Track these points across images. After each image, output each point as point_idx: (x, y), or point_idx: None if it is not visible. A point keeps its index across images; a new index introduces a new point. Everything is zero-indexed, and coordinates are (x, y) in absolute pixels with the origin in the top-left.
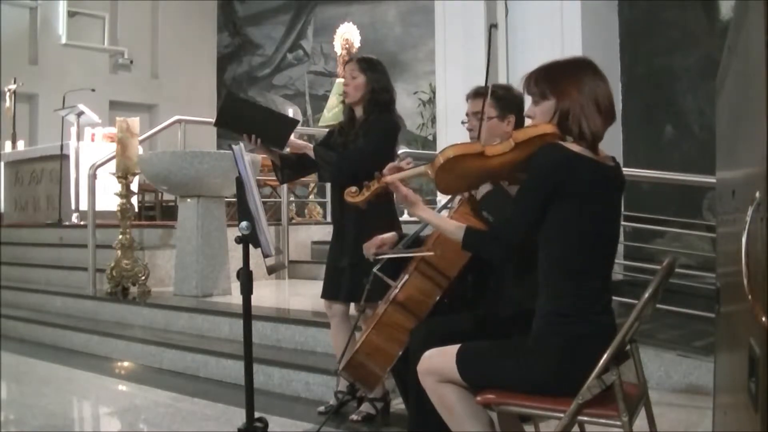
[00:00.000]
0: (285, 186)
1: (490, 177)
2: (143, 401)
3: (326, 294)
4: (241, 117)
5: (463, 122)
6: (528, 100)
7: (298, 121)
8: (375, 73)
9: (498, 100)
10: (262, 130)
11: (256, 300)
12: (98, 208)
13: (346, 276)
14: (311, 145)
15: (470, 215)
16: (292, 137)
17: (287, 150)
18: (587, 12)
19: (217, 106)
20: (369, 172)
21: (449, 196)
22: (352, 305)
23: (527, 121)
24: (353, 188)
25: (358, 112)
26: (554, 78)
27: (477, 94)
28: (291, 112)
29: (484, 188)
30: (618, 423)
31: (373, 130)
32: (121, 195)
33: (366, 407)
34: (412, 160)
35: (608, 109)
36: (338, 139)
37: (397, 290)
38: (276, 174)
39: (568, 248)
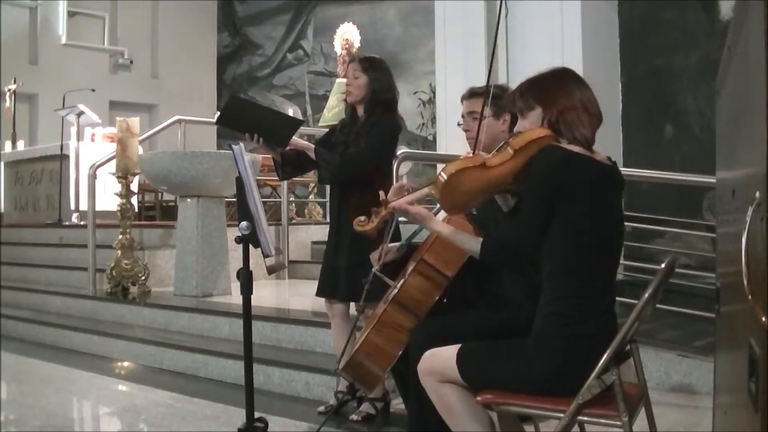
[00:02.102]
0: (285, 186)
1: (494, 189)
2: (143, 401)
3: (323, 292)
4: (244, 117)
5: (458, 123)
6: None
7: (302, 122)
8: (377, 73)
9: (493, 99)
10: (264, 129)
11: (256, 300)
12: (98, 208)
13: (343, 276)
14: (312, 146)
15: (466, 219)
16: (294, 137)
17: (288, 148)
18: (587, 12)
19: (218, 106)
20: (369, 173)
21: None
22: (353, 305)
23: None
24: (362, 218)
25: (360, 111)
26: (538, 88)
27: (472, 94)
28: (291, 112)
29: None
30: (618, 423)
31: (375, 131)
32: (121, 195)
33: (366, 407)
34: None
35: (596, 112)
36: (339, 137)
37: (396, 290)
38: (277, 171)
39: (570, 248)
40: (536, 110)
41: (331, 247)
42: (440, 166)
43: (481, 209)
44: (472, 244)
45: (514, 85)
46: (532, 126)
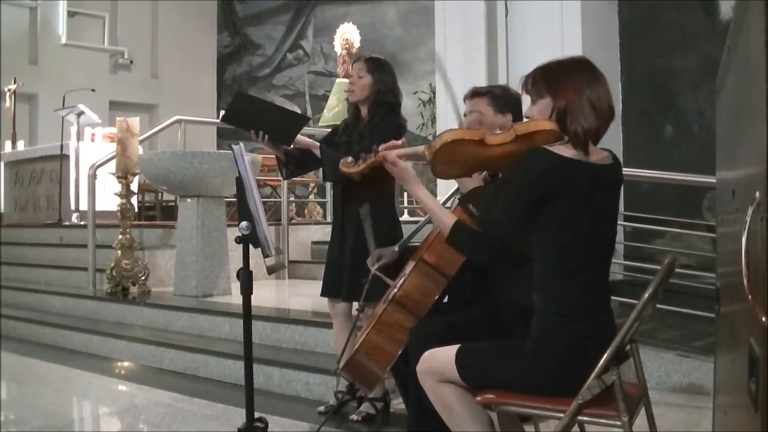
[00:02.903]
0: (285, 186)
1: (485, 165)
2: (143, 401)
3: (327, 292)
4: (249, 115)
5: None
6: (526, 101)
7: (308, 119)
8: (381, 74)
9: (495, 98)
10: (270, 127)
11: (256, 300)
12: (98, 208)
13: (347, 275)
14: (317, 144)
15: (462, 212)
16: (298, 135)
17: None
18: (587, 12)
19: (218, 106)
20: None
21: (448, 196)
22: (355, 304)
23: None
24: (349, 158)
25: (363, 111)
26: (551, 77)
27: (474, 93)
28: None
29: (472, 183)
30: (618, 423)
31: (379, 131)
32: (121, 195)
33: (366, 407)
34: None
35: (605, 108)
36: (342, 137)
37: (396, 289)
38: (280, 170)
39: (565, 249)
40: (545, 100)
41: (335, 246)
42: None
43: (485, 209)
44: (446, 221)
45: (514, 85)
46: (540, 115)
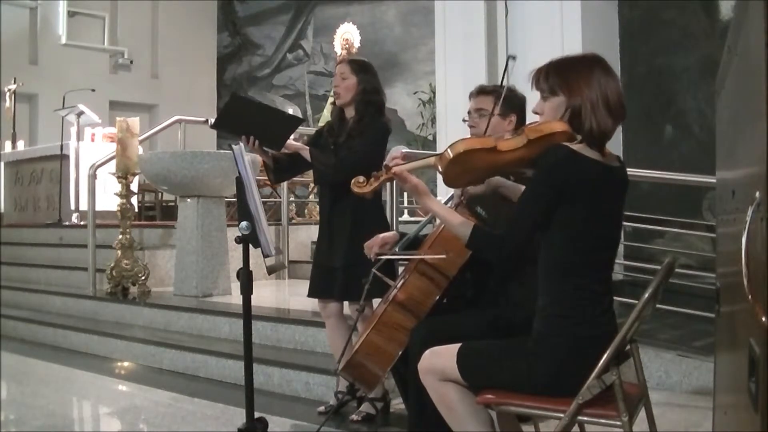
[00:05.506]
0: (285, 186)
1: (497, 172)
2: (143, 401)
3: (317, 293)
4: (240, 119)
5: (464, 120)
6: (532, 98)
7: (301, 120)
8: (367, 74)
9: (502, 99)
10: (261, 131)
11: (256, 300)
12: (98, 208)
13: (340, 276)
14: (307, 147)
15: (469, 215)
16: (289, 139)
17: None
18: (587, 12)
19: (218, 106)
20: (364, 173)
21: (449, 196)
22: (347, 304)
23: (532, 117)
24: (361, 178)
25: (349, 112)
26: (565, 74)
27: (481, 91)
28: (291, 111)
29: (474, 188)
30: (618, 423)
31: (370, 131)
32: (121, 195)
33: (366, 407)
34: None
35: (618, 107)
36: (328, 139)
37: (396, 290)
38: (267, 175)
39: (570, 250)
40: (559, 97)
41: (324, 248)
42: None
43: (493, 211)
44: (464, 229)
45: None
46: (551, 112)
